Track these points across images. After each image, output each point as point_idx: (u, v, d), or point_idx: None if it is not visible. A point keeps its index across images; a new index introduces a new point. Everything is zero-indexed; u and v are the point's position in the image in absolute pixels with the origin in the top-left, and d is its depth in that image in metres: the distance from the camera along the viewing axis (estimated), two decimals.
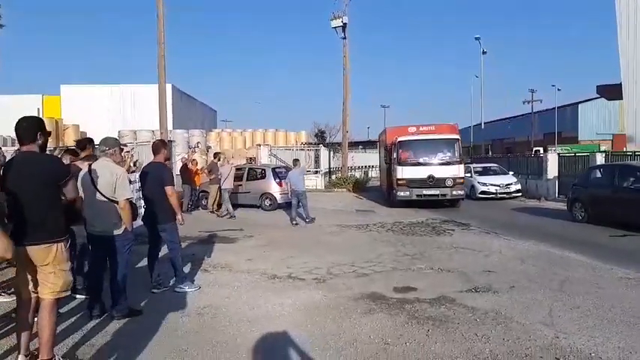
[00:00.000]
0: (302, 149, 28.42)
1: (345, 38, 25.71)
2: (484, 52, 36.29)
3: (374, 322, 5.28)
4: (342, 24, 25.06)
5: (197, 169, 17.71)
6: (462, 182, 16.63)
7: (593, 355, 4.32)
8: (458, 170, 16.51)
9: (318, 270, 7.76)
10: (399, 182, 16.51)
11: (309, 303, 5.98)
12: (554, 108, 51.63)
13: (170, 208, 6.31)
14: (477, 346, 4.58)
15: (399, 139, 16.98)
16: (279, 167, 19.24)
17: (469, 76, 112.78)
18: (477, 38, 35.99)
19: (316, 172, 26.26)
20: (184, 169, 16.55)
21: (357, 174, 32.17)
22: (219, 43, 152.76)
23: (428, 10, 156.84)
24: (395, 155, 16.91)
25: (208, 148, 28.23)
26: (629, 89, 20.54)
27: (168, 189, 6.27)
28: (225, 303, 5.99)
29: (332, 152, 30.20)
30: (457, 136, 17.27)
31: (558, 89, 51.67)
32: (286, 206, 17.10)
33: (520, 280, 6.99)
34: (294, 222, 13.40)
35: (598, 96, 32.61)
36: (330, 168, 28.74)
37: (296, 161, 15.21)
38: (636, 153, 18.10)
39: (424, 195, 16.36)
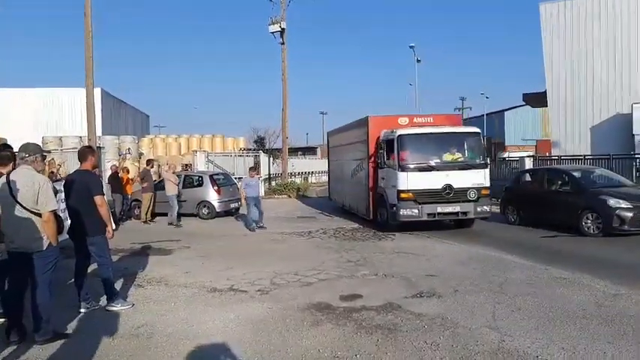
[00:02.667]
0: (241, 155, 27.92)
1: (283, 44, 25.56)
2: (418, 61, 37.32)
3: (322, 334, 5.09)
4: (280, 29, 24.89)
5: (128, 177, 16.83)
6: (488, 194, 11.98)
7: (539, 357, 4.36)
8: (484, 177, 11.85)
9: (260, 281, 7.47)
10: (402, 196, 11.44)
11: (253, 316, 5.69)
12: (482, 115, 54.16)
13: (99, 219, 5.82)
14: (427, 354, 4.51)
15: (400, 132, 11.87)
16: (217, 174, 18.69)
17: (405, 83, 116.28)
18: (411, 47, 36.88)
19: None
20: (115, 177, 15.66)
21: (298, 180, 32.05)
22: (150, 45, 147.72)
23: (366, 17, 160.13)
24: (392, 156, 11.83)
25: (140, 154, 27.06)
26: (554, 97, 21.81)
27: (98, 199, 5.78)
28: (161, 321, 5.59)
29: (271, 158, 29.90)
30: (478, 130, 12.87)
31: (486, 97, 54.25)
32: (225, 214, 16.70)
33: (462, 283, 7.06)
34: (250, 227, 13.26)
35: (524, 103, 34.46)
36: (270, 174, 28.42)
37: (250, 169, 14.84)
38: (562, 157, 19.18)
39: (439, 214, 11.56)
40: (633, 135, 18.09)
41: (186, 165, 25.35)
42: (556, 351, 4.48)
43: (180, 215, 15.12)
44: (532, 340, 4.75)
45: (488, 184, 11.95)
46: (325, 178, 45.05)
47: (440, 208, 11.57)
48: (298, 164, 37.41)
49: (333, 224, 14.12)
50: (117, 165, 17.68)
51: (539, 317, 5.46)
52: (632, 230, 10.66)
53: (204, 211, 16.37)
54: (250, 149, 31.80)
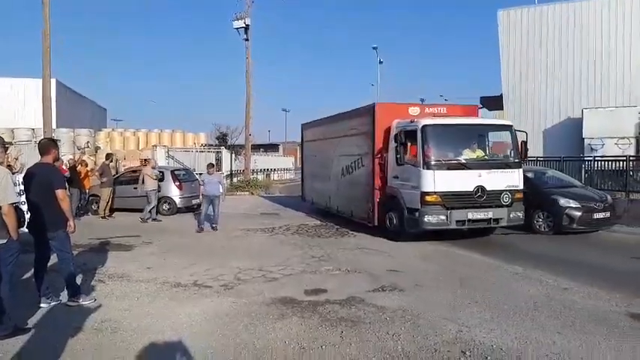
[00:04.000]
0: (202, 151, 27.58)
1: (247, 40, 25.42)
2: (381, 62, 37.95)
3: (287, 326, 5.19)
4: (244, 25, 24.74)
5: (87, 171, 16.37)
6: (522, 198, 10.35)
7: (494, 346, 4.61)
8: (518, 178, 10.27)
9: (224, 276, 7.49)
10: (428, 199, 9.62)
11: (218, 311, 5.73)
12: None
13: (60, 213, 5.70)
14: (389, 344, 4.68)
15: (425, 122, 9.99)
16: (178, 169, 18.44)
17: (368, 84, 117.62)
18: (374, 48, 37.46)
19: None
20: (72, 170, 15.20)
21: (260, 177, 31.95)
22: (107, 36, 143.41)
23: (330, 17, 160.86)
24: (413, 151, 10.12)
25: (97, 148, 26.33)
26: (509, 100, 22.61)
27: (60, 192, 5.66)
28: (125, 316, 5.54)
29: (233, 155, 29.66)
30: (511, 123, 11.08)
31: (445, 100, 55.46)
32: (186, 210, 16.52)
33: (423, 278, 7.31)
34: (201, 226, 12.50)
35: (481, 106, 35.53)
36: (231, 171, 28.20)
37: (209, 166, 13.71)
38: None
39: (469, 221, 9.81)
40: (583, 138, 18.99)
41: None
42: (509, 340, 4.74)
43: (131, 211, 14.85)
44: (487, 331, 5.00)
45: (522, 187, 10.38)
46: (288, 175, 45.56)
47: (471, 214, 9.77)
48: (260, 161, 37.27)
49: (296, 221, 14.20)
50: (73, 158, 17.13)
51: (495, 309, 5.74)
52: (580, 228, 11.29)
53: (165, 207, 16.11)
54: (212, 145, 31.42)
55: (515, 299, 6.17)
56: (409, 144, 10.15)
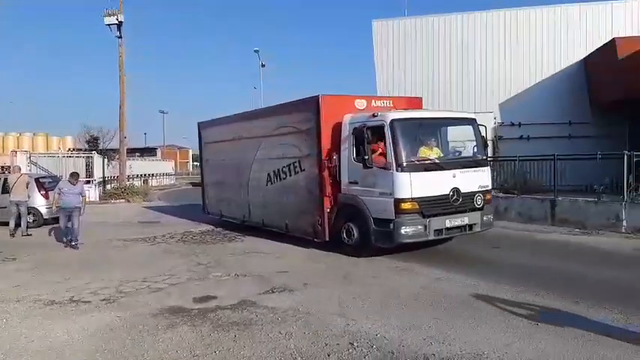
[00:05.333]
0: (70, 156, 25.38)
1: (121, 37, 23.98)
2: (263, 65, 38.10)
3: (178, 335, 5.09)
4: (117, 22, 23.30)
5: None
6: (491, 200, 9.67)
7: (378, 335, 4.98)
8: (487, 177, 9.56)
9: (105, 290, 7.06)
10: (404, 207, 8.28)
11: (101, 326, 5.41)
12: None
13: None
14: (282, 343, 4.83)
15: (392, 117, 8.67)
16: (43, 177, 16.83)
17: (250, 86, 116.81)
18: (256, 51, 37.49)
19: (89, 182, 23.73)
20: None
21: (137, 183, 30.25)
22: None
23: (212, 15, 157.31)
24: (379, 151, 8.79)
25: None
26: None
27: None
28: None
29: (106, 159, 27.71)
30: (474, 117, 10.04)
31: None
32: (53, 222, 15.11)
33: (311, 277, 7.59)
34: (66, 243, 11.07)
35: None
36: (104, 177, 26.34)
37: (72, 175, 11.89)
38: None
39: (447, 229, 8.72)
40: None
41: (3, 167, 22.30)
42: (392, 329, 5.15)
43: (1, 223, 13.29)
44: (372, 322, 5.38)
45: (490, 188, 9.71)
46: (168, 181, 43.65)
47: (448, 222, 8.64)
48: (136, 166, 35.24)
49: (179, 228, 13.73)
50: None
51: (378, 302, 6.18)
52: None
53: (30, 218, 14.60)
54: (81, 149, 29.03)
55: (396, 291, 6.68)
56: (370, 143, 8.58)
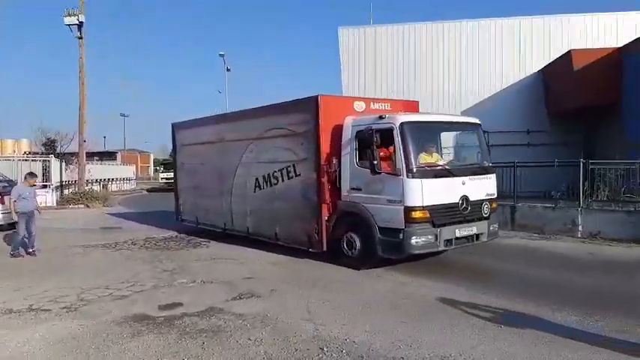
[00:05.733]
0: (26, 159, 24.42)
1: (81, 38, 23.30)
2: (228, 70, 37.70)
3: (144, 344, 4.98)
4: (77, 22, 22.65)
5: None
6: (496, 208, 9.37)
7: (347, 340, 5.02)
8: (494, 185, 9.08)
9: (65, 298, 6.83)
10: (415, 216, 7.78)
11: (63, 335, 5.24)
12: None
13: None
14: (252, 349, 4.80)
15: (403, 120, 8.14)
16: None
17: (215, 90, 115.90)
18: (221, 55, 37.07)
19: (45, 187, 22.90)
20: None
21: (96, 188, 29.39)
22: None
23: (174, 18, 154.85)
24: (387, 156, 8.24)
25: None
26: None
27: None
28: None
29: (64, 163, 26.79)
30: (479, 122, 9.45)
31: None
32: (9, 228, 14.49)
33: (278, 283, 7.56)
34: (13, 252, 10.30)
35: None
36: (62, 181, 25.46)
37: (31, 175, 11.45)
38: None
39: (456, 239, 8.22)
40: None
41: None
42: (361, 333, 5.21)
43: None
44: (340, 326, 5.42)
45: (496, 195, 9.20)
46: (129, 186, 42.58)
47: (458, 231, 8.19)
48: (96, 170, 34.21)
49: (141, 234, 13.39)
50: None
51: (346, 307, 6.22)
52: None
53: None
54: (37, 153, 27.97)
55: (363, 296, 6.76)
56: (375, 147, 8.01)
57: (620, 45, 17.39)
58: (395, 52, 22.90)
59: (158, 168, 41.08)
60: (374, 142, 7.99)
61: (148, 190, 38.54)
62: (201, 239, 12.15)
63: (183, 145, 14.35)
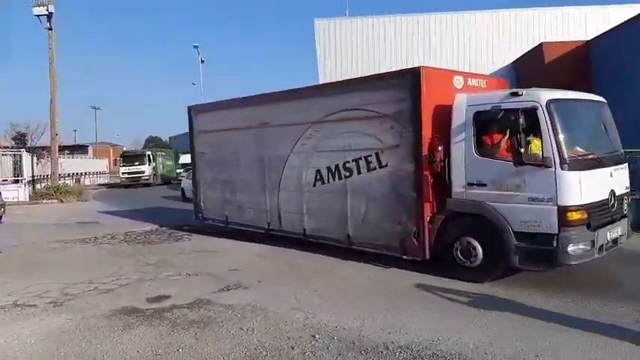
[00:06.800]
0: None
1: (51, 29, 22.67)
2: (202, 61, 37.23)
3: (137, 336, 5.01)
4: (47, 12, 22.03)
5: None
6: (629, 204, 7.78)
7: (338, 327, 5.14)
8: (627, 177, 7.69)
9: (49, 293, 6.77)
10: (572, 217, 6.30)
11: (53, 330, 5.23)
12: None
13: None
14: (245, 338, 4.89)
15: (550, 96, 6.65)
16: None
17: (188, 82, 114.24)
18: (195, 46, 36.53)
19: (17, 182, 22.36)
20: None
21: (69, 182, 28.80)
22: None
23: (146, 13, 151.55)
24: (543, 142, 6.47)
25: None
26: None
27: None
28: None
29: (35, 158, 26.15)
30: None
31: None
32: None
33: (264, 274, 7.64)
34: None
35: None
36: (33, 176, 24.87)
37: None
38: None
39: (606, 245, 6.75)
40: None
41: None
42: (350, 320, 5.34)
43: None
44: (330, 314, 5.55)
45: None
46: (102, 179, 41.78)
47: (609, 234, 6.83)
48: (68, 165, 33.48)
49: (121, 228, 13.24)
50: None
51: (334, 296, 6.35)
52: None
53: None
54: (7, 147, 27.22)
55: (349, 284, 6.91)
56: (517, 131, 6.46)
57: (589, 38, 17.95)
58: (370, 43, 23.08)
59: (118, 160, 37.43)
60: (521, 125, 6.41)
61: (108, 187, 36.93)
62: (182, 233, 12.11)
63: (203, 132, 12.39)
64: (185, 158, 48.08)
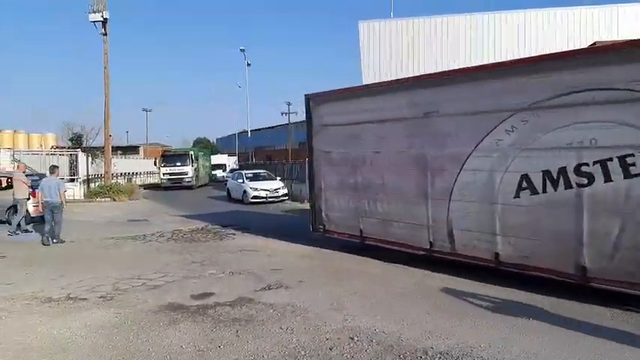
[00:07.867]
0: (54, 153, 25.05)
1: (106, 34, 23.72)
2: (249, 64, 38.06)
3: (181, 331, 5.17)
4: (102, 19, 23.06)
5: None
6: None
7: (377, 330, 5.12)
8: None
9: (101, 287, 7.10)
10: None
11: (102, 323, 5.46)
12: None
13: None
14: (284, 338, 4.94)
15: None
16: (29, 175, 16.57)
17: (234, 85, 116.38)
18: (242, 50, 37.44)
19: (73, 180, 23.49)
20: None
21: (121, 181, 29.97)
22: None
23: (194, 16, 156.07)
24: None
25: None
26: None
27: None
28: None
29: (90, 157, 27.39)
30: None
31: None
32: (40, 220, 14.94)
33: (306, 274, 7.71)
34: (45, 240, 10.97)
35: None
36: (88, 175, 26.04)
37: (54, 168, 12.49)
38: None
39: None
40: None
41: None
42: (389, 324, 5.30)
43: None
44: (370, 317, 5.52)
45: None
46: (152, 179, 43.19)
47: None
48: (120, 164, 34.83)
49: (168, 227, 13.72)
50: None
51: (373, 298, 6.33)
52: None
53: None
54: (64, 147, 28.66)
55: (389, 287, 6.85)
56: None
57: None
58: (415, 44, 22.86)
59: (158, 159, 34.99)
60: None
61: (145, 187, 35.66)
62: (228, 231, 12.36)
63: (326, 126, 10.14)
64: (215, 159, 48.91)
